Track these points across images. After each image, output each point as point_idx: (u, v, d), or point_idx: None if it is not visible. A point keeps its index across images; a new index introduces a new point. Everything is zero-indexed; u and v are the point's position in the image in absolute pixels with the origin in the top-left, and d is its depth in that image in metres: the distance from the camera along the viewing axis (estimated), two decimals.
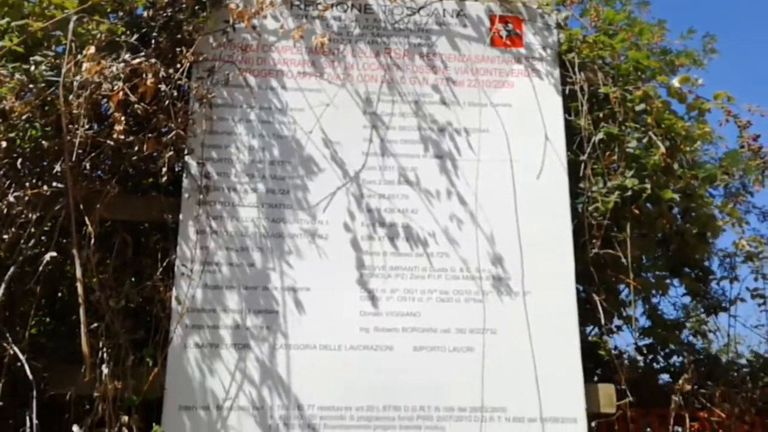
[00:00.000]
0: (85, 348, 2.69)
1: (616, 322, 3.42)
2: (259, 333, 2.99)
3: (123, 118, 2.96)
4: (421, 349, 3.04)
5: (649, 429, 3.26)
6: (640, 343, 3.51)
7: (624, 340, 3.78)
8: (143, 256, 3.07)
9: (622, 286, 3.23)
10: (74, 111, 2.95)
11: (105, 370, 2.74)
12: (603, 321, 3.13)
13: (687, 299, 3.61)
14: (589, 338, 3.41)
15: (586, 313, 3.26)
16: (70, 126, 2.93)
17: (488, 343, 3.05)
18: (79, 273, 2.77)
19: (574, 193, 3.21)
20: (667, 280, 3.43)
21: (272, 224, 3.08)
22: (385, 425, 2.93)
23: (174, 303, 2.89)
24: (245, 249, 3.03)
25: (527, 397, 2.98)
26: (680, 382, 3.17)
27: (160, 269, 2.96)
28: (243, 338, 2.97)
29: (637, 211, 3.12)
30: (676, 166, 3.22)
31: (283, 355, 2.98)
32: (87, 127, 2.97)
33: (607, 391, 3.03)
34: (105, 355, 2.78)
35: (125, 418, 2.67)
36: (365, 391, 2.96)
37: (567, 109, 3.28)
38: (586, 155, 3.19)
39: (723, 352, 3.64)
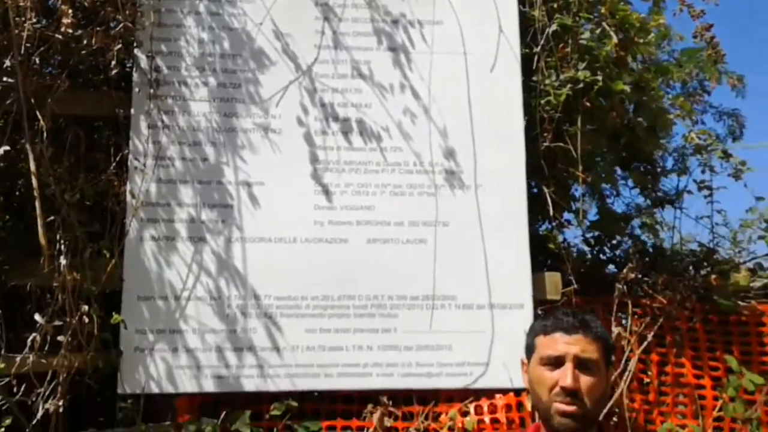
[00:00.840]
0: (42, 240, 2.73)
1: (567, 216, 3.50)
2: (214, 226, 3.04)
3: (70, 11, 2.90)
4: (374, 241, 3.12)
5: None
6: (589, 236, 3.62)
7: (573, 234, 3.90)
8: (97, 151, 3.07)
9: (572, 181, 3.29)
10: (21, 4, 2.87)
11: (63, 261, 2.79)
12: (552, 213, 3.21)
13: (636, 194, 3.70)
14: (540, 232, 3.50)
15: (537, 207, 3.34)
16: (18, 19, 2.86)
17: (440, 235, 3.13)
18: (33, 167, 2.78)
19: (527, 87, 3.22)
20: (617, 174, 3.51)
21: (224, 119, 3.07)
22: (340, 314, 3.04)
23: (128, 197, 2.92)
24: (198, 143, 3.04)
25: (477, 286, 3.10)
26: (625, 271, 3.30)
27: (114, 164, 2.97)
28: (198, 231, 3.02)
29: (588, 105, 3.15)
30: (629, 59, 3.23)
31: (239, 248, 3.05)
32: (35, 20, 2.90)
33: (553, 279, 3.15)
34: (62, 247, 2.82)
35: (85, 308, 2.75)
36: (320, 282, 3.05)
37: (522, 1, 3.24)
38: (539, 47, 3.19)
39: (675, 249, 3.76)
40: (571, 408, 1.52)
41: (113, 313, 2.83)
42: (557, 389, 1.54)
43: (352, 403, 3.01)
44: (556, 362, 1.57)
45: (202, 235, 3.02)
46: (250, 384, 2.94)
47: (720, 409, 3.09)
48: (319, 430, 2.93)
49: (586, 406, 1.53)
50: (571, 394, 1.53)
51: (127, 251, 2.92)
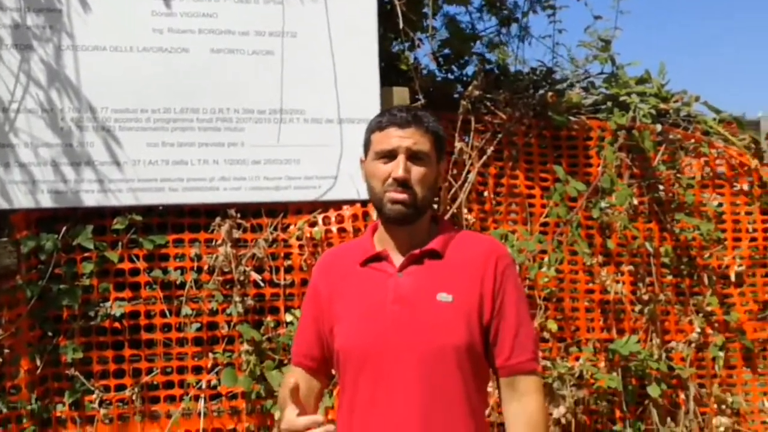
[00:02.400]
0: None
1: (419, 36, 3.49)
2: (41, 33, 2.79)
3: None
4: (218, 51, 2.99)
5: None
6: (438, 56, 3.65)
7: (425, 54, 3.89)
8: None
9: None
10: None
11: None
12: (402, 27, 3.19)
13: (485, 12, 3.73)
14: (393, 51, 3.49)
15: (389, 24, 3.30)
16: None
17: (288, 46, 3.05)
18: None
19: None
20: None
21: None
22: (184, 127, 2.95)
23: None
24: None
25: (326, 100, 3.08)
26: (469, 88, 3.39)
27: None
28: (24, 38, 2.77)
29: None
30: None
31: (71, 57, 2.84)
32: None
33: (401, 94, 3.19)
34: None
35: None
36: (161, 94, 2.92)
37: None
38: None
39: (518, 69, 3.87)
40: (402, 196, 1.58)
41: None
42: (390, 180, 1.59)
43: (200, 216, 3.00)
44: (389, 155, 1.60)
45: (29, 42, 2.77)
46: (91, 199, 2.85)
47: (547, 215, 3.37)
48: (166, 244, 2.93)
49: (416, 194, 1.59)
50: (402, 183, 1.58)
51: None
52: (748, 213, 3.64)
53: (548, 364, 3.20)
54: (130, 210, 2.87)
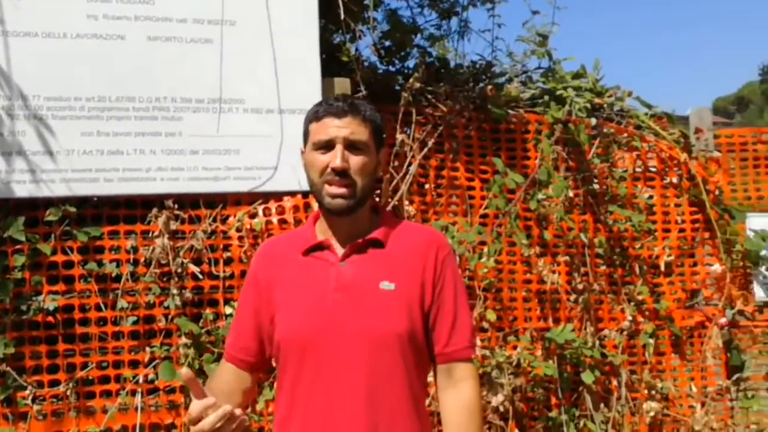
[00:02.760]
0: None
1: (359, 27, 3.49)
2: None
3: None
4: (155, 39, 2.93)
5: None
6: (380, 47, 3.66)
7: (367, 46, 3.86)
8: None
9: None
10: None
11: None
12: (344, 17, 3.18)
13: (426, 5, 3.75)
14: (334, 43, 3.48)
15: (330, 15, 3.29)
16: None
17: (227, 35, 3.01)
18: None
19: None
20: None
21: None
22: (119, 116, 2.88)
23: None
24: None
25: (266, 90, 3.06)
26: (410, 80, 3.41)
27: None
28: None
29: None
30: None
31: (0, 43, 2.74)
32: None
33: (342, 85, 3.18)
34: None
35: None
36: (96, 82, 2.85)
37: None
38: None
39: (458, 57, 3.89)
40: (341, 190, 1.58)
41: None
42: (328, 170, 1.59)
43: (136, 208, 2.94)
44: (327, 146, 1.60)
45: None
46: (22, 190, 2.76)
47: (486, 207, 3.43)
48: (101, 235, 2.86)
49: (356, 184, 1.59)
50: (341, 174, 1.58)
51: None
52: (677, 205, 3.77)
53: (487, 353, 3.26)
54: (63, 201, 2.79)
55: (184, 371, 1.42)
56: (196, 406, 1.42)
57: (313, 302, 1.59)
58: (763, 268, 3.81)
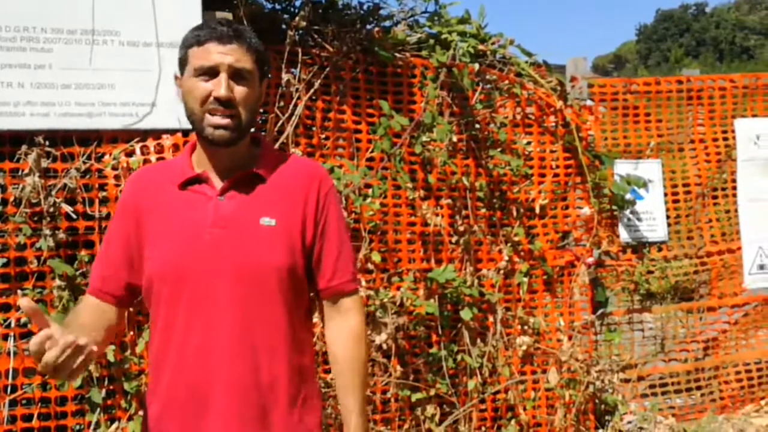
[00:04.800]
0: None
1: None
2: None
3: None
4: None
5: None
6: None
7: None
8: None
9: None
10: None
11: None
12: None
13: None
14: None
15: None
16: None
17: None
18: None
19: None
20: None
21: None
22: None
23: None
24: None
25: (142, 22, 2.92)
26: (297, 19, 3.35)
27: None
28: None
29: None
30: None
31: None
32: None
33: (225, 17, 3.08)
34: None
35: None
36: None
37: None
38: None
39: (345, 3, 3.84)
40: (225, 121, 1.53)
41: None
42: (211, 99, 1.54)
43: (3, 145, 2.76)
44: (209, 72, 1.53)
45: None
46: None
47: (372, 150, 3.46)
48: None
49: (240, 115, 1.55)
50: (225, 103, 1.53)
51: None
52: (552, 151, 3.95)
53: (372, 293, 3.33)
54: None
55: (25, 302, 1.25)
56: (34, 339, 1.26)
57: (189, 237, 1.55)
58: (627, 211, 4.07)
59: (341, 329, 1.68)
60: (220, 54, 1.55)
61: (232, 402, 1.52)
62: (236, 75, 1.56)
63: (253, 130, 1.65)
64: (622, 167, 4.12)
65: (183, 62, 1.61)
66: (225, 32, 1.56)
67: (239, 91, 1.56)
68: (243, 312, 1.54)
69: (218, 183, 1.60)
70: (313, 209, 1.64)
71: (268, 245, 1.57)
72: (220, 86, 1.53)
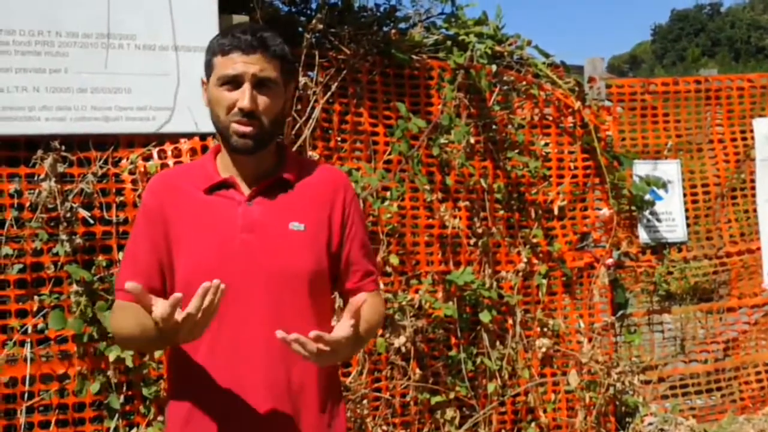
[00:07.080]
0: None
1: None
2: None
3: None
4: None
5: None
6: None
7: None
8: None
9: None
10: None
11: None
12: None
13: None
14: None
15: None
16: None
17: None
18: None
19: None
20: None
21: None
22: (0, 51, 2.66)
23: None
24: None
25: (159, 25, 2.90)
26: (313, 21, 3.32)
27: None
28: None
29: None
30: None
31: None
32: None
33: (242, 21, 3.06)
34: None
35: None
36: None
37: None
38: None
39: (362, 5, 3.82)
40: (248, 129, 1.53)
41: None
42: (235, 110, 1.53)
43: (19, 149, 2.74)
44: (233, 82, 1.54)
45: None
46: None
47: (390, 153, 3.43)
48: None
49: (263, 125, 1.54)
50: (248, 114, 1.52)
51: None
52: (571, 152, 3.91)
53: (390, 296, 3.30)
54: None
55: (132, 285, 1.34)
56: (166, 303, 1.34)
57: (219, 242, 1.55)
58: (646, 212, 4.03)
59: (360, 297, 1.65)
60: (243, 64, 1.54)
61: (265, 404, 1.53)
62: (260, 84, 1.55)
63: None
64: (641, 168, 4.07)
65: (209, 68, 1.61)
66: (249, 41, 1.55)
67: (263, 100, 1.55)
68: (275, 316, 1.54)
69: (246, 188, 1.60)
70: (339, 215, 1.67)
71: (299, 250, 1.59)
72: (244, 98, 1.52)
